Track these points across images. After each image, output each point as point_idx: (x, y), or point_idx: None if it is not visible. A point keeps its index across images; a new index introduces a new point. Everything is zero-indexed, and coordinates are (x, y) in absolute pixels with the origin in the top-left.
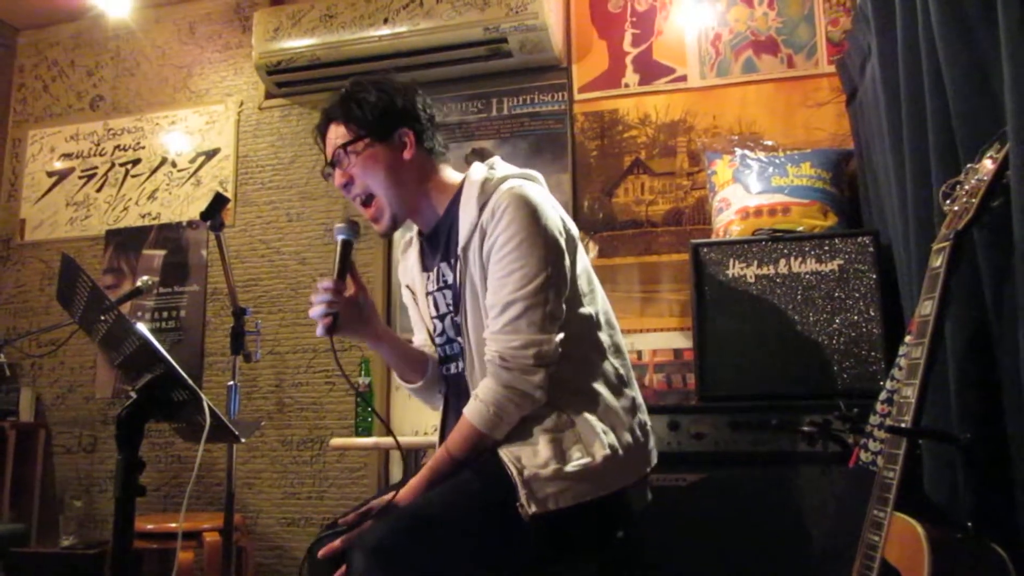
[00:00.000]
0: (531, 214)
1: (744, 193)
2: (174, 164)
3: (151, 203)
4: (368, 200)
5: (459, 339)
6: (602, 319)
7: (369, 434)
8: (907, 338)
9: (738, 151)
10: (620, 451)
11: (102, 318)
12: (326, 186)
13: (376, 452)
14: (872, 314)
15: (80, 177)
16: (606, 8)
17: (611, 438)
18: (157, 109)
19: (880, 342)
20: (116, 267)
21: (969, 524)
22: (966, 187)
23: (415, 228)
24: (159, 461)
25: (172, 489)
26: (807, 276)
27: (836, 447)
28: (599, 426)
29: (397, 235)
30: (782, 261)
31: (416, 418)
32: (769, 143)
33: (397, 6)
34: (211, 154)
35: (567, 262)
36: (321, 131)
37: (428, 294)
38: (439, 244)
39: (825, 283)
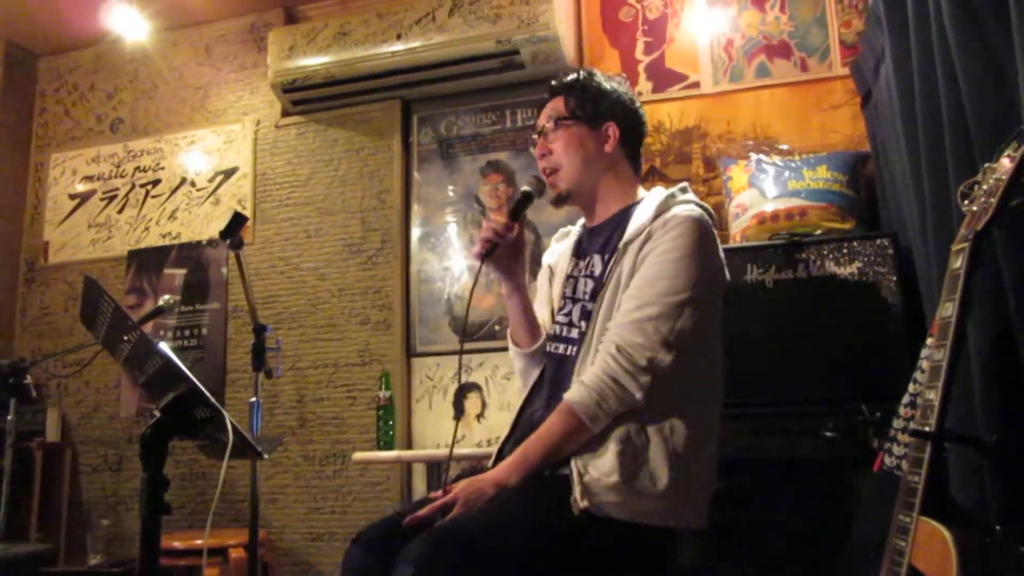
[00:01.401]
0: (700, 239)
1: (760, 198)
2: (193, 184)
3: (171, 223)
4: (553, 173)
5: (582, 324)
6: (718, 369)
7: (391, 447)
8: (929, 340)
9: (753, 156)
10: (682, 491)
11: (125, 338)
12: (343, 201)
13: (398, 465)
14: (893, 316)
15: (102, 199)
16: (617, 17)
17: (679, 474)
18: (176, 130)
19: (902, 344)
20: (138, 287)
21: (997, 528)
22: (984, 187)
23: (578, 224)
24: (184, 478)
25: (197, 506)
26: (826, 280)
27: (860, 452)
28: (673, 458)
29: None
30: (800, 265)
31: (437, 432)
32: (784, 147)
33: (410, 21)
34: (229, 173)
35: (715, 298)
36: (545, 101)
37: (570, 277)
38: (600, 238)
39: (845, 286)
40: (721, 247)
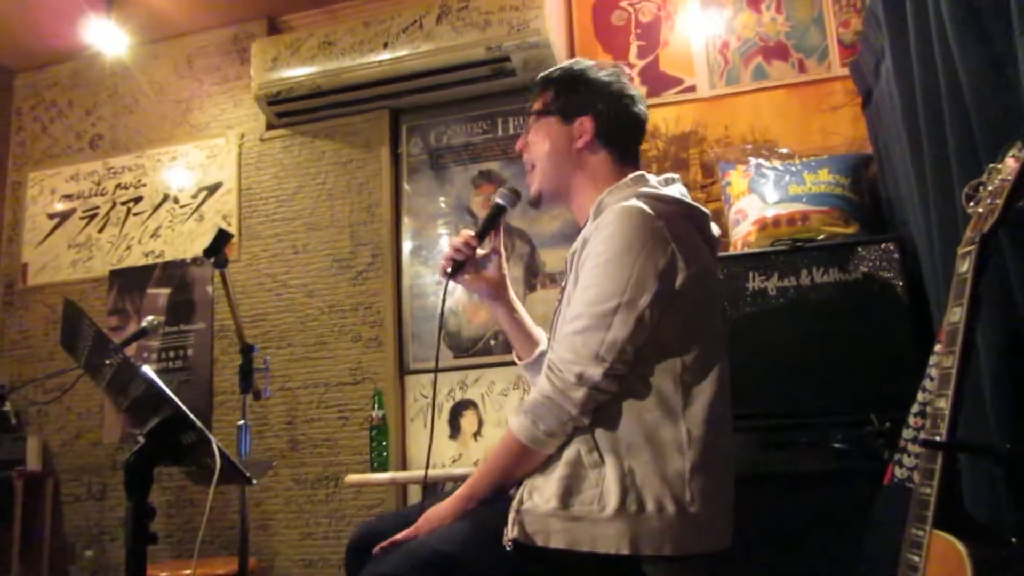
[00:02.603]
0: (630, 236)
1: (761, 203)
2: (176, 200)
3: (154, 241)
4: (531, 170)
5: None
6: (690, 378)
7: (385, 469)
8: (937, 347)
9: (752, 160)
10: (644, 511)
11: (107, 362)
12: (332, 215)
13: (393, 488)
14: (900, 323)
15: (81, 218)
16: (609, 21)
17: (638, 494)
18: (157, 145)
19: (910, 351)
20: (121, 308)
21: (1014, 540)
22: (989, 188)
23: None
24: (170, 506)
25: (185, 535)
26: (830, 286)
27: (869, 464)
28: (628, 478)
29: None
30: (803, 272)
31: (433, 451)
32: (784, 151)
33: (396, 30)
34: (213, 188)
35: (654, 297)
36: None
37: (563, 290)
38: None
39: (850, 293)
40: (686, 231)
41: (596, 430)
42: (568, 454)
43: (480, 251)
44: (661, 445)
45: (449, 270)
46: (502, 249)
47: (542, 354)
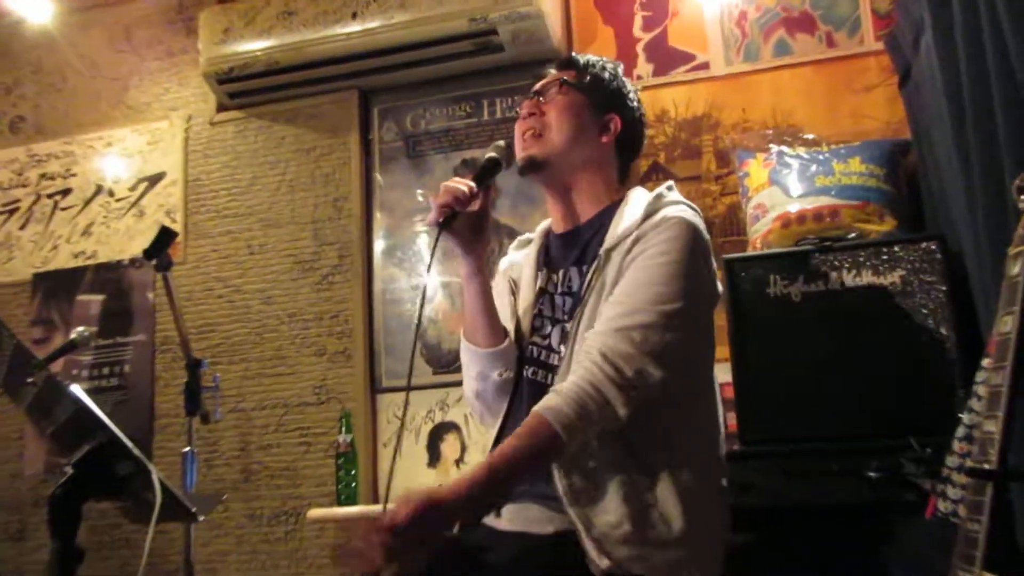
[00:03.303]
0: (695, 247)
1: (783, 196)
2: (111, 193)
3: (85, 240)
4: (535, 136)
5: (561, 348)
6: (711, 394)
7: (354, 502)
8: (985, 361)
9: (774, 148)
10: (701, 533)
11: (29, 380)
12: (293, 210)
13: (363, 524)
14: (943, 333)
15: (0, 213)
16: None
17: (694, 515)
18: (89, 129)
19: (955, 367)
20: (46, 317)
21: None
22: None
23: (540, 229)
24: (102, 548)
25: None
26: (863, 291)
27: (909, 495)
28: (684, 495)
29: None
30: (832, 275)
31: (409, 481)
32: (810, 137)
33: None
34: (155, 179)
35: (708, 316)
36: (548, 70)
37: (543, 293)
38: (576, 246)
39: (885, 298)
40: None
41: (640, 443)
42: (616, 473)
43: (475, 204)
44: (706, 460)
45: (442, 220)
46: (489, 210)
47: (506, 353)
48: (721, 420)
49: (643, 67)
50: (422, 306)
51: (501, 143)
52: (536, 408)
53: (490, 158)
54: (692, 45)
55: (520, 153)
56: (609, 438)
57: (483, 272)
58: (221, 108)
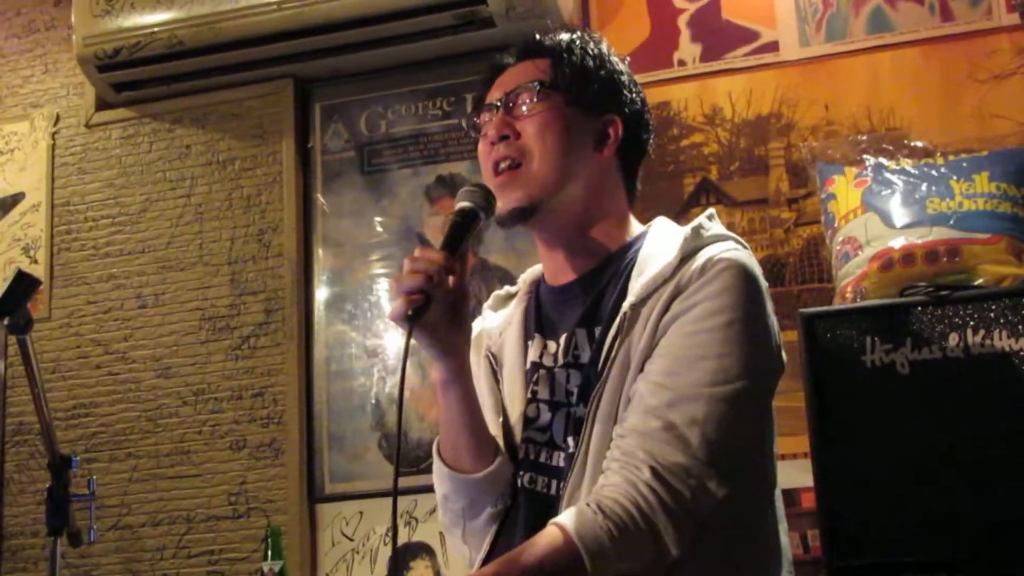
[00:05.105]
0: (756, 298)
1: (883, 227)
2: None
3: None
4: (513, 168)
5: (569, 442)
6: (781, 506)
7: None
8: None
9: (870, 160)
10: None
11: None
12: (202, 246)
13: None
14: None
15: None
16: None
17: None
18: None
19: None
20: None
21: None
22: None
23: (524, 279)
24: None
25: None
26: (995, 359)
27: None
28: None
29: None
30: (953, 336)
31: None
32: (919, 144)
33: None
34: (8, 204)
35: (771, 396)
36: (503, 66)
37: (537, 367)
38: (580, 302)
39: None
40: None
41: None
42: None
43: (451, 280)
44: None
45: (411, 312)
46: (467, 284)
47: (501, 474)
48: (785, 543)
49: (687, 49)
50: (400, 421)
51: (474, 187)
52: (564, 522)
53: (462, 210)
54: (755, 19)
55: (500, 200)
56: None
57: (465, 375)
58: (102, 105)
